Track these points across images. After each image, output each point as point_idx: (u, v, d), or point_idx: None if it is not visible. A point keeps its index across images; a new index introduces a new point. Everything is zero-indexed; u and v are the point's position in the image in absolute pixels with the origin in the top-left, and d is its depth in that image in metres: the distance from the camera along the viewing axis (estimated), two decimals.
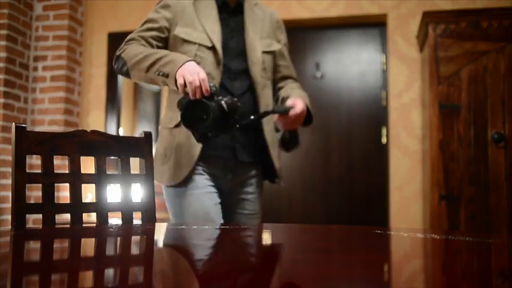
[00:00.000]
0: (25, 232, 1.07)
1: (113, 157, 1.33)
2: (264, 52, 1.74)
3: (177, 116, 1.57)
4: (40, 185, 1.19)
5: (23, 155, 1.18)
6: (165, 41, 1.67)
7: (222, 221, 1.58)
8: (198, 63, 1.51)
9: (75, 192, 1.23)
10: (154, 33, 1.65)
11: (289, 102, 1.56)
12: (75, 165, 1.25)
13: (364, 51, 3.61)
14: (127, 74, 1.60)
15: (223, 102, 1.37)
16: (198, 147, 1.58)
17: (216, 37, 1.66)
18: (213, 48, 1.65)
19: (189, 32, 1.66)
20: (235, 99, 1.41)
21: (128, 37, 1.64)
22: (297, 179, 3.59)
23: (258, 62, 1.70)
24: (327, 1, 3.52)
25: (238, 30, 1.72)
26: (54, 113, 3.73)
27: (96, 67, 3.93)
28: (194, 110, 1.37)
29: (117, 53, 1.62)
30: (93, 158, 1.29)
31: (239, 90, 1.66)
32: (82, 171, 1.25)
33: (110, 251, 0.86)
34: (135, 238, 1.03)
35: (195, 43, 1.65)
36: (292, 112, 1.51)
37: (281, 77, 1.85)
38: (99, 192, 1.27)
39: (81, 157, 1.27)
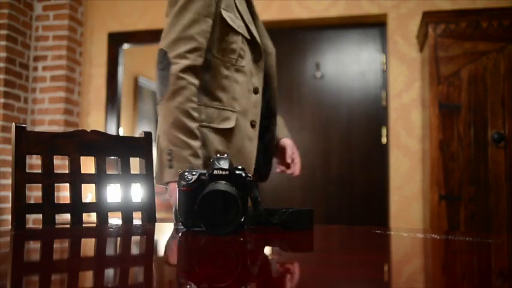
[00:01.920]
0: (25, 232, 1.07)
1: (113, 157, 1.32)
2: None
3: (229, 114, 1.41)
4: (40, 185, 1.19)
5: (23, 155, 1.18)
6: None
7: None
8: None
9: (75, 192, 1.23)
10: (207, 24, 1.37)
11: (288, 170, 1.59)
12: (75, 165, 1.25)
13: (364, 51, 3.61)
14: (163, 94, 1.34)
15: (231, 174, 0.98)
16: (254, 154, 1.45)
17: (254, 28, 1.47)
18: (252, 42, 1.45)
19: (232, 18, 1.42)
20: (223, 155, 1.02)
21: (182, 49, 1.33)
22: (297, 179, 3.59)
23: (272, 53, 1.58)
24: (326, 1, 3.52)
25: (253, 17, 1.55)
26: (54, 113, 3.73)
27: (96, 67, 3.93)
28: (203, 207, 0.93)
29: (172, 69, 1.33)
30: (93, 158, 1.29)
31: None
32: (82, 171, 1.25)
33: (110, 251, 0.86)
34: (135, 238, 1.03)
35: (238, 33, 1.43)
36: (296, 172, 1.58)
37: None
38: (99, 192, 1.27)
39: (81, 157, 1.26)
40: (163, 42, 1.37)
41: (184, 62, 1.33)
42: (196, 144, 1.31)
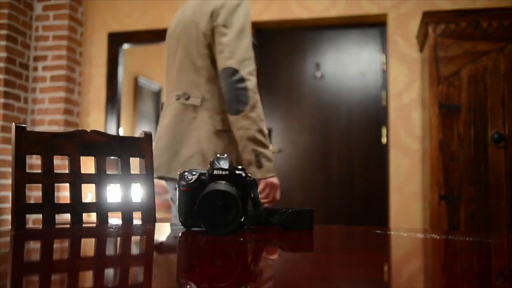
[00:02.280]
0: (25, 232, 1.07)
1: (113, 157, 1.32)
2: None
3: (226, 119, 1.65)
4: (40, 185, 1.19)
5: (23, 155, 1.18)
6: None
7: None
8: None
9: (75, 192, 1.23)
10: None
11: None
12: (75, 165, 1.25)
13: (364, 51, 3.61)
14: (240, 102, 1.57)
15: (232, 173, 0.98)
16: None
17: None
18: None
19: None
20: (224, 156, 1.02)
21: (250, 68, 1.60)
22: (297, 179, 3.59)
23: None
24: (326, 1, 3.52)
25: None
26: (54, 113, 3.73)
27: (96, 67, 3.93)
28: (203, 206, 0.92)
29: (248, 84, 1.58)
30: (93, 158, 1.29)
31: None
32: (82, 171, 1.25)
33: (110, 251, 0.86)
34: (135, 238, 1.03)
35: (254, 55, 1.73)
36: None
37: None
38: (99, 192, 1.27)
39: (81, 157, 1.26)
40: (230, 61, 1.57)
41: (254, 79, 1.59)
42: (271, 146, 1.64)
